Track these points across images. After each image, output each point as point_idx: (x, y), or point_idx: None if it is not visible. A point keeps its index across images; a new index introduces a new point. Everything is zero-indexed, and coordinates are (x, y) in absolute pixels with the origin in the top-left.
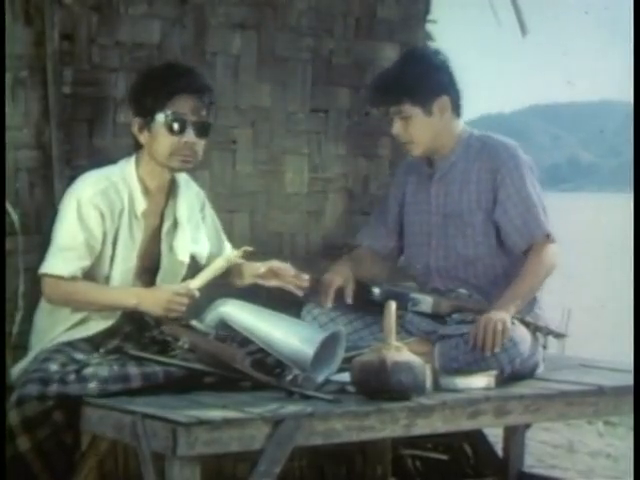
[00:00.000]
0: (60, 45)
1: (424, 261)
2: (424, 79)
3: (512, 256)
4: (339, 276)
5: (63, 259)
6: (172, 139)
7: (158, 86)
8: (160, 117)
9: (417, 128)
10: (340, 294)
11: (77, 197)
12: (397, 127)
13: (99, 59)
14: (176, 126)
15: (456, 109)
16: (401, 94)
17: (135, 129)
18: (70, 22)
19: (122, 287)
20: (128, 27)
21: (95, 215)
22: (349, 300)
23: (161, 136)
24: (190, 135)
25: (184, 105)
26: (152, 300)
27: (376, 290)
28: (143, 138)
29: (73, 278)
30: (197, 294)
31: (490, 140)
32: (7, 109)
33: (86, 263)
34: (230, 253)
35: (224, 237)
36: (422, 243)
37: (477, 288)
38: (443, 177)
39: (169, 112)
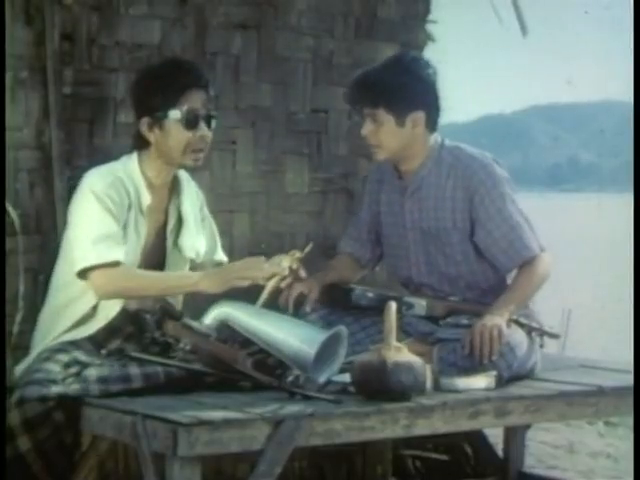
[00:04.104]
0: (60, 45)
1: (405, 275)
2: (404, 91)
3: (497, 272)
4: (302, 285)
5: (106, 248)
6: (187, 134)
7: (167, 83)
8: (175, 114)
9: (386, 135)
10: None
11: (91, 190)
12: (367, 128)
13: (99, 59)
14: (192, 121)
15: (431, 125)
16: (378, 100)
17: (144, 128)
18: (70, 22)
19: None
20: (128, 27)
21: (113, 205)
22: (307, 308)
23: (176, 132)
24: (203, 129)
25: (196, 99)
26: (212, 277)
27: (370, 294)
28: (153, 136)
29: (122, 265)
30: (265, 266)
31: (463, 155)
32: (7, 109)
33: (124, 250)
34: (286, 259)
35: (218, 240)
36: (401, 256)
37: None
38: (416, 192)
39: (184, 108)
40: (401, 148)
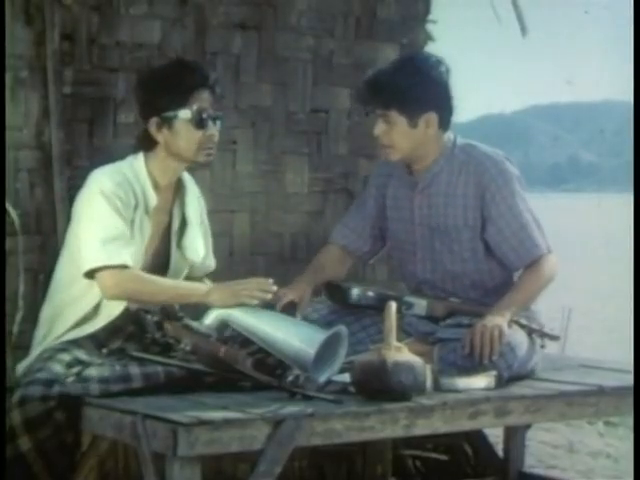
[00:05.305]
0: (60, 45)
1: (411, 270)
2: (416, 92)
3: (503, 271)
4: (293, 292)
5: (116, 249)
6: (198, 134)
7: (176, 83)
8: (185, 113)
9: (399, 136)
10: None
11: (100, 190)
12: (379, 129)
13: (99, 59)
14: (202, 121)
15: (443, 125)
16: (390, 101)
17: (153, 129)
18: (70, 22)
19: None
20: (128, 27)
21: (121, 205)
22: (298, 316)
23: (187, 132)
24: (212, 128)
25: (205, 99)
26: (221, 291)
27: (370, 294)
28: (161, 137)
29: (131, 268)
30: (274, 289)
31: (475, 152)
32: (7, 109)
33: (132, 251)
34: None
35: (210, 246)
36: (407, 251)
37: (467, 301)
38: (426, 188)
39: (195, 107)
40: (414, 148)
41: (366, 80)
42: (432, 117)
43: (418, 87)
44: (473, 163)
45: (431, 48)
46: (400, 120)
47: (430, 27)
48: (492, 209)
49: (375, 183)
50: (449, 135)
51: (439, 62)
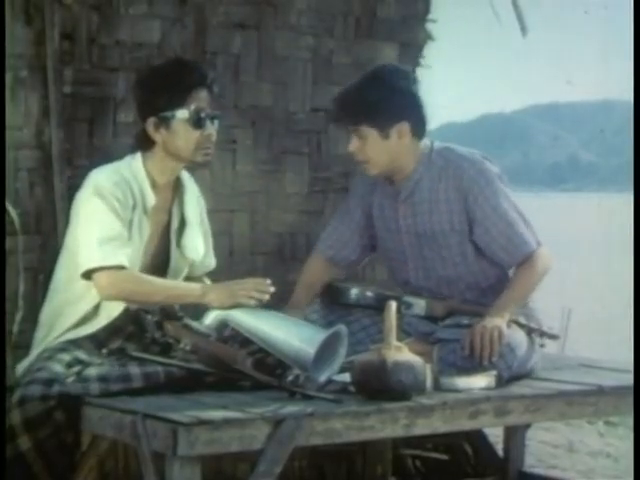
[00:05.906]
0: (60, 45)
1: (404, 278)
2: (384, 104)
3: (496, 270)
4: (290, 313)
5: (112, 250)
6: (196, 134)
7: (173, 83)
8: (183, 113)
9: (372, 149)
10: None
11: (97, 191)
12: (353, 145)
13: (99, 58)
14: (200, 120)
15: (417, 133)
16: (358, 116)
17: (151, 129)
18: (70, 22)
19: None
20: (128, 27)
21: (119, 205)
22: None
23: (185, 132)
24: (210, 128)
25: (202, 99)
26: (218, 291)
27: (369, 294)
28: (159, 136)
29: (128, 268)
30: (271, 290)
31: (453, 155)
32: (7, 109)
33: (129, 251)
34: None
35: (211, 246)
36: (398, 260)
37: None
38: (409, 197)
39: (192, 107)
40: (390, 161)
41: (335, 98)
42: (404, 127)
43: (385, 99)
44: (452, 167)
45: (431, 47)
46: (371, 133)
47: (430, 26)
48: (477, 211)
49: (361, 192)
50: (426, 142)
51: (405, 73)
